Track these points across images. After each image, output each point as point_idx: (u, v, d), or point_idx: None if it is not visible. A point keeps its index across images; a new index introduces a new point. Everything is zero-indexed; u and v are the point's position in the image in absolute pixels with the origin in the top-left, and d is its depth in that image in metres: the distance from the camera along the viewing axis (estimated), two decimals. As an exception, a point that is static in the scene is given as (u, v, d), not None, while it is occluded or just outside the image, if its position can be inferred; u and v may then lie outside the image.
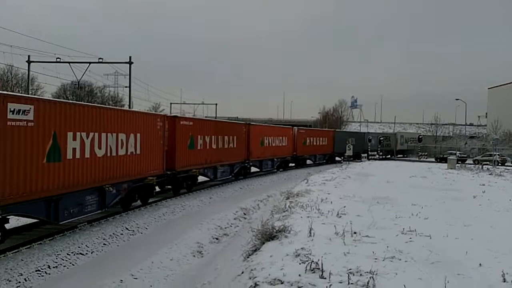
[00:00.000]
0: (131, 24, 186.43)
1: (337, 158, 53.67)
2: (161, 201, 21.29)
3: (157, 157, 20.11)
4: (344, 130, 65.24)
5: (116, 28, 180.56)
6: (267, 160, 36.48)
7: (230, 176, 29.77)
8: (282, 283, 7.34)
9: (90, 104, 22.49)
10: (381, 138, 66.12)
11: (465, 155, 60.92)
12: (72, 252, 13.00)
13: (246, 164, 32.42)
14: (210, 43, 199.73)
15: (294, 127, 44.35)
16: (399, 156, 68.91)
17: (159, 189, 22.45)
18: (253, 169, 35.36)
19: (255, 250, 10.17)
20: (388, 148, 67.22)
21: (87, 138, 14.62)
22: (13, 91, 55.74)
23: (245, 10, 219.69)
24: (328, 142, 51.76)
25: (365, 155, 57.70)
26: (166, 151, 20.99)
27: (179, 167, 22.38)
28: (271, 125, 46.80)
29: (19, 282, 10.77)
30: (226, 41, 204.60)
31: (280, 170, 40.17)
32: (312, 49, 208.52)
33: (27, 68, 40.84)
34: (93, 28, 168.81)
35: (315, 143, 48.07)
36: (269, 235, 10.61)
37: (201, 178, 26.28)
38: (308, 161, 47.94)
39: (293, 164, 44.23)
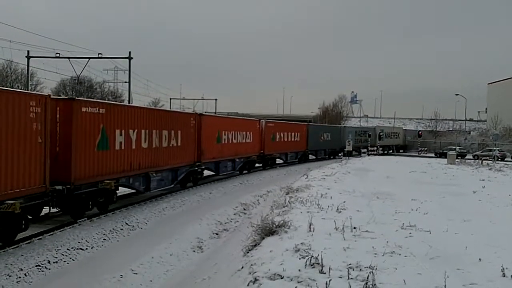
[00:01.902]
0: (131, 19, 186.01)
1: (311, 157, 48.17)
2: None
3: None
4: (318, 124, 58.25)
5: (115, 23, 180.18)
6: (226, 161, 29.07)
7: (172, 185, 22.33)
8: (282, 278, 7.35)
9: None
10: (360, 133, 61.10)
11: (465, 150, 60.91)
12: (72, 247, 13.01)
13: (197, 168, 24.71)
14: (210, 38, 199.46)
15: (261, 120, 37.19)
16: (379, 152, 61.59)
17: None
18: (208, 173, 27.92)
19: (255, 245, 10.18)
20: (367, 144, 59.88)
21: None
22: (12, 87, 55.72)
23: (245, 4, 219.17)
24: (301, 138, 44.63)
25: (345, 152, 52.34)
26: (56, 153, 14.02)
27: (79, 178, 14.78)
28: (233, 117, 41.12)
29: (19, 277, 10.79)
30: (226, 37, 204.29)
31: (244, 172, 33.27)
32: (312, 44, 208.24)
33: (26, 64, 40.77)
34: (93, 23, 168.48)
35: (286, 139, 40.81)
36: (269, 230, 10.62)
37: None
38: (278, 161, 40.46)
39: (260, 165, 37.02)
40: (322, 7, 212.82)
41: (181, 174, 22.99)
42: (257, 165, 36.17)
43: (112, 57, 43.48)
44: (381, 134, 64.70)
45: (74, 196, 14.77)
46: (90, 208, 16.15)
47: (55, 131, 14.08)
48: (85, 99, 19.98)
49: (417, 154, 62.55)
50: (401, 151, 68.36)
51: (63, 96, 19.13)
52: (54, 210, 15.20)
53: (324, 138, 50.35)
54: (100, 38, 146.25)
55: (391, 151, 66.11)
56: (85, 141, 15.15)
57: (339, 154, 52.92)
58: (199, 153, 24.59)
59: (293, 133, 42.52)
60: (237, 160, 30.87)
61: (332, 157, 51.46)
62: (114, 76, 76.14)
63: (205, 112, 38.64)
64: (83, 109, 15.09)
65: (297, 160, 44.33)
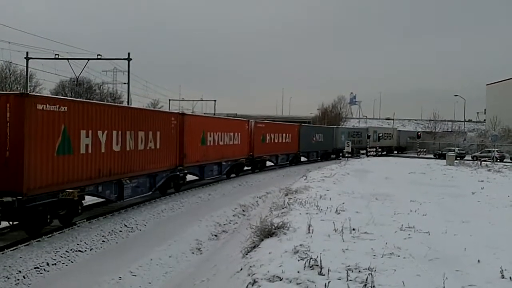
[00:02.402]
0: (130, 21, 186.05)
1: (302, 159, 46.47)
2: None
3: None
4: (310, 125, 55.48)
5: (115, 25, 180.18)
6: (211, 164, 26.84)
7: (150, 192, 20.22)
8: (281, 279, 7.33)
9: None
10: (353, 134, 59.19)
11: (464, 152, 61.00)
12: (71, 249, 13.00)
13: (178, 173, 22.64)
14: (209, 39, 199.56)
15: (250, 120, 35.06)
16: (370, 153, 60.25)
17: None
18: (191, 178, 25.83)
19: (254, 247, 10.17)
20: (359, 145, 58.39)
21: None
22: (11, 88, 55.73)
23: (244, 5, 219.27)
24: (292, 139, 42.66)
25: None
26: (5, 159, 12.38)
27: (33, 188, 12.74)
28: (219, 117, 39.09)
29: (18, 279, 10.77)
30: (226, 38, 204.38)
31: (232, 176, 31.38)
32: (311, 45, 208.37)
33: (25, 65, 40.76)
34: (92, 24, 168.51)
35: (276, 141, 38.76)
36: (268, 232, 10.60)
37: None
38: (269, 163, 38.74)
39: (249, 168, 34.93)
40: (322, 8, 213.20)
41: (160, 179, 20.87)
42: (246, 168, 34.27)
43: (111, 59, 43.51)
44: (369, 134, 62.49)
45: (27, 209, 12.77)
46: (49, 222, 14.04)
47: (5, 133, 12.34)
48: (41, 94, 18.08)
49: (416, 155, 62.58)
50: (395, 152, 66.54)
51: (15, 92, 15.78)
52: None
53: (316, 140, 48.89)
54: (99, 39, 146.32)
55: (384, 153, 64.04)
56: (42, 144, 13.01)
57: (332, 156, 52.12)
58: (181, 156, 22.51)
59: (284, 134, 40.67)
60: (223, 163, 28.65)
61: (324, 159, 50.51)
62: (113, 77, 75.94)
63: (191, 112, 38.28)
64: (39, 107, 12.94)
65: (288, 162, 42.59)
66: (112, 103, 24.41)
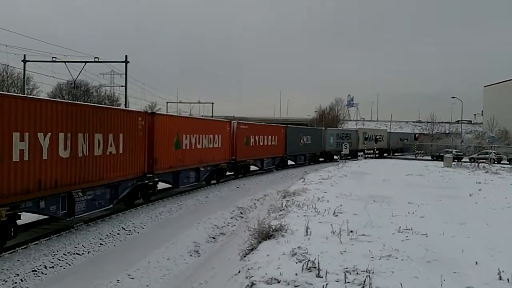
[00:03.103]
0: (127, 23, 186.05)
1: (289, 162, 44.06)
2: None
3: None
4: (297, 126, 51.43)
5: (112, 27, 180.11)
6: (187, 170, 24.00)
7: (111, 205, 17.16)
8: (278, 282, 7.33)
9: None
10: (342, 136, 56.89)
11: (461, 153, 61.08)
12: (69, 252, 12.98)
13: (147, 181, 19.69)
14: (207, 42, 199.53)
15: (233, 121, 32.34)
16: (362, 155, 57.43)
17: None
18: (164, 186, 23.44)
19: (252, 249, 10.16)
20: (350, 147, 54.03)
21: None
22: (8, 91, 55.61)
23: (241, 8, 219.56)
24: (278, 142, 40.04)
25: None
26: None
27: None
28: (197, 117, 36.30)
29: (16, 282, 10.75)
30: (224, 40, 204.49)
31: (213, 182, 28.60)
32: (309, 48, 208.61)
33: (22, 68, 40.72)
34: (89, 27, 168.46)
35: (261, 143, 36.24)
36: (265, 234, 10.60)
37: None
38: (253, 168, 35.84)
39: (232, 173, 32.36)
40: (320, 10, 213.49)
41: (124, 190, 17.97)
42: (229, 173, 31.75)
43: (108, 61, 43.58)
44: (364, 137, 60.28)
45: None
46: None
47: None
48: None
49: (413, 157, 62.67)
50: (385, 154, 63.69)
51: None
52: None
53: (303, 142, 46.32)
54: (96, 42, 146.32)
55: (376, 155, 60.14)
56: None
57: (320, 159, 50.52)
58: (151, 162, 19.78)
59: (269, 137, 38.20)
60: (202, 169, 25.85)
61: (313, 162, 48.39)
62: (111, 80, 75.91)
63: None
64: None
65: (274, 166, 39.91)
66: (57, 100, 20.11)
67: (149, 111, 23.33)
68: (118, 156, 17.10)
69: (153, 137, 20.02)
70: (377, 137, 63.89)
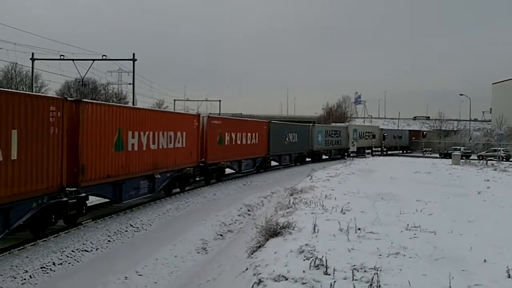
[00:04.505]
0: (135, 21, 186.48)
1: (273, 163, 38.80)
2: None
3: None
4: (282, 122, 45.23)
5: (120, 25, 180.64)
6: (136, 179, 18.35)
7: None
8: (286, 279, 7.34)
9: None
10: (331, 133, 51.98)
11: (470, 151, 60.73)
12: (77, 249, 13.05)
13: (66, 198, 13.91)
14: (215, 39, 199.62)
15: (202, 115, 26.52)
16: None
17: None
18: (100, 199, 18.12)
19: (259, 247, 10.18)
20: (338, 146, 52.70)
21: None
22: (17, 89, 56.00)
23: (248, 6, 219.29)
24: (260, 140, 34.50)
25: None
26: None
27: None
28: (149, 109, 27.52)
29: (24, 279, 10.83)
30: (231, 38, 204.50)
31: (175, 192, 22.58)
32: (315, 45, 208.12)
33: (31, 66, 40.97)
34: (97, 25, 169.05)
35: (239, 142, 30.53)
36: (273, 232, 10.61)
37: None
38: (229, 170, 30.13)
39: (202, 178, 26.69)
40: (328, 7, 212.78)
41: (23, 214, 12.32)
42: (198, 178, 26.27)
43: (116, 59, 43.77)
44: (355, 134, 56.11)
45: None
46: None
47: None
48: None
49: (421, 155, 62.44)
50: (375, 153, 58.11)
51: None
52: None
53: (289, 140, 41.02)
54: (104, 40, 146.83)
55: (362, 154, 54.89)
56: None
57: (307, 160, 46.13)
58: (75, 170, 14.44)
59: (249, 134, 32.40)
60: (158, 176, 19.89)
61: (299, 163, 43.75)
62: (119, 77, 76.11)
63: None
64: None
65: (254, 169, 34.31)
66: None
67: (76, 98, 18.46)
68: (7, 166, 11.46)
69: (79, 135, 14.58)
70: (369, 134, 60.65)
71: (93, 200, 17.03)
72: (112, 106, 19.37)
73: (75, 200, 14.42)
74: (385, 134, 65.88)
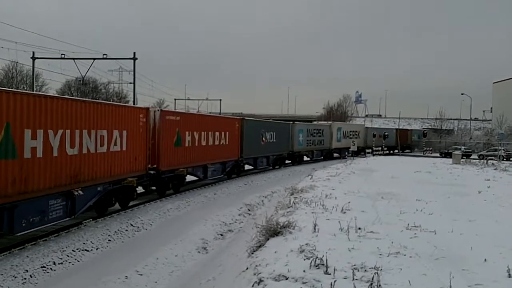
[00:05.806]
0: (135, 20, 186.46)
1: (247, 167, 33.33)
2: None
3: None
4: (257, 119, 39.99)
5: (120, 24, 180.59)
6: (42, 198, 12.71)
7: None
8: (286, 279, 7.34)
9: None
10: (313, 133, 47.12)
11: (470, 150, 60.65)
12: (78, 249, 13.05)
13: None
14: (215, 39, 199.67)
15: (153, 109, 20.99)
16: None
17: None
18: None
19: (260, 246, 10.17)
20: (321, 146, 48.66)
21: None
22: (18, 88, 56.01)
23: (248, 5, 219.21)
24: (231, 140, 28.81)
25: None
26: None
27: None
28: (72, 98, 21.81)
29: (25, 278, 10.83)
30: (232, 37, 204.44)
31: (111, 210, 17.32)
32: (317, 44, 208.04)
33: (31, 65, 40.99)
34: (98, 24, 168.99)
35: (204, 143, 24.92)
36: (273, 231, 10.60)
37: None
38: (191, 178, 24.73)
39: (153, 188, 21.12)
40: (328, 7, 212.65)
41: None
42: (152, 188, 20.98)
43: (116, 58, 43.72)
44: (338, 134, 52.44)
45: None
46: None
47: None
48: None
49: (421, 154, 62.41)
50: (361, 154, 54.95)
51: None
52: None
53: (266, 140, 35.49)
54: (105, 39, 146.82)
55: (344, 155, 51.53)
56: None
57: (287, 162, 41.66)
58: None
59: (217, 133, 26.68)
60: (79, 192, 14.25)
61: (277, 166, 38.83)
62: (119, 76, 76.33)
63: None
64: None
65: (224, 175, 28.76)
66: None
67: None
68: None
69: None
70: (354, 133, 56.75)
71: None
72: (18, 93, 12.47)
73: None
74: (374, 133, 62.92)
